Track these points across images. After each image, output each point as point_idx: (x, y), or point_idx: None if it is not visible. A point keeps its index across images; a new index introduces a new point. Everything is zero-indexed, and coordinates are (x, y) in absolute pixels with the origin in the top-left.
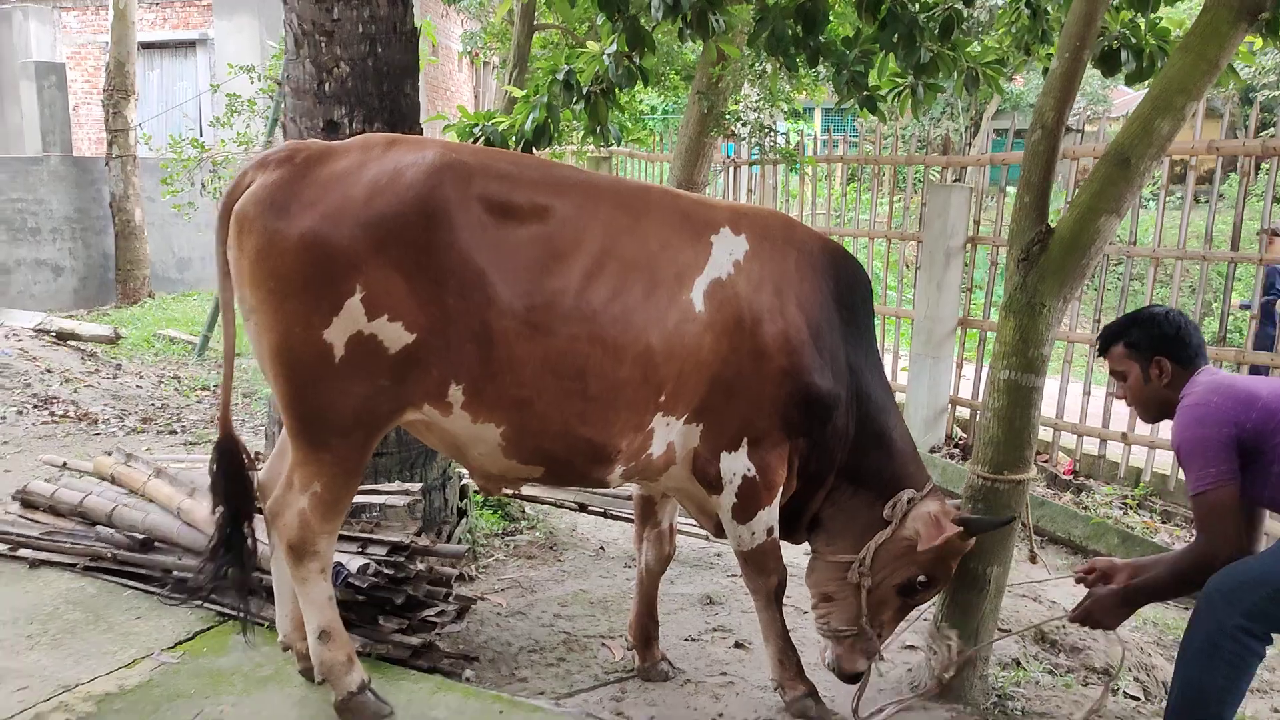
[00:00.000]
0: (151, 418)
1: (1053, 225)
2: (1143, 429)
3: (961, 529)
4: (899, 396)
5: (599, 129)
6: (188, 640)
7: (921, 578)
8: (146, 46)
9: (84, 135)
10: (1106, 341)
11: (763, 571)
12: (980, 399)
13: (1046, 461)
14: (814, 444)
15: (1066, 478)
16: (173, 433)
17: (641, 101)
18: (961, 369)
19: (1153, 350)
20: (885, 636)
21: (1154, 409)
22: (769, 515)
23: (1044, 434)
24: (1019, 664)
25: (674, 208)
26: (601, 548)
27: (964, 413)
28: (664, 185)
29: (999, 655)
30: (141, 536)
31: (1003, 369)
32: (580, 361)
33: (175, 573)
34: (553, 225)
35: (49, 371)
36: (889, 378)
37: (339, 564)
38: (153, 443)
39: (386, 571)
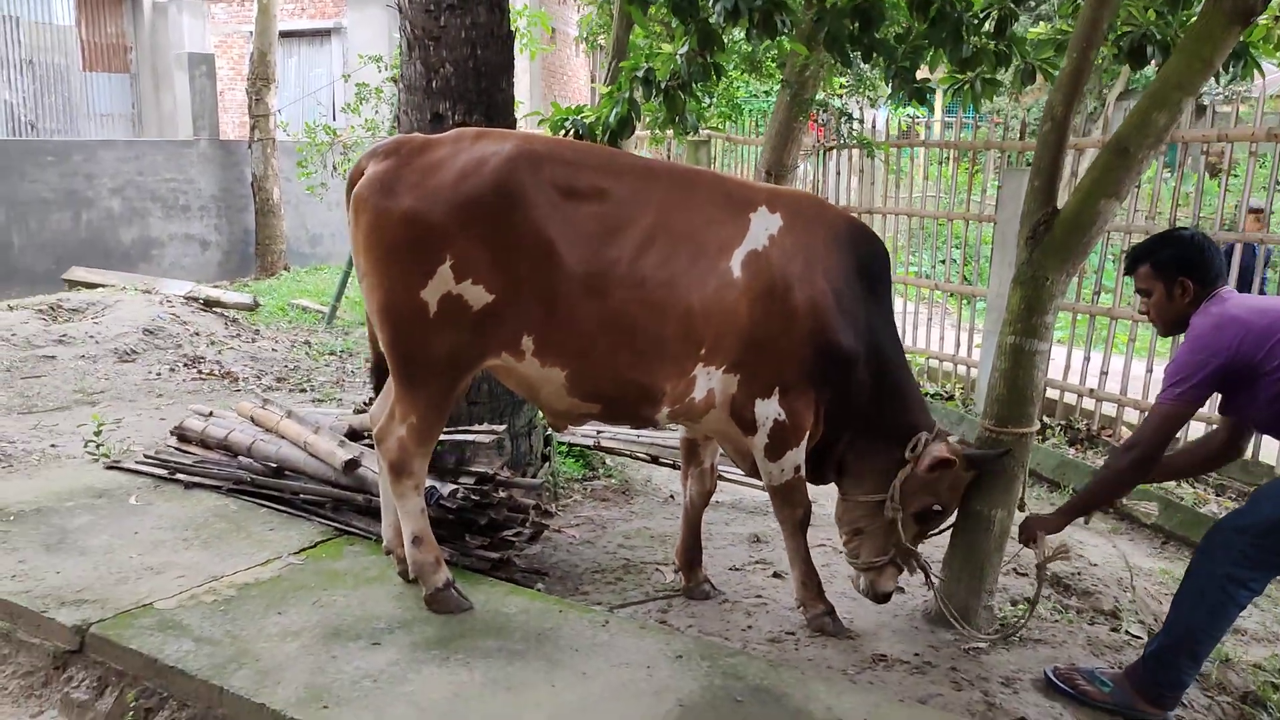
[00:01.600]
0: (285, 378)
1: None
2: (1206, 408)
3: (958, 459)
4: (971, 372)
5: (677, 119)
6: (310, 548)
7: (936, 506)
8: (285, 35)
9: (228, 120)
10: (1134, 261)
11: (790, 504)
12: (992, 365)
13: (1110, 435)
14: (837, 394)
15: None
16: (303, 391)
17: (739, 89)
18: None
19: (1177, 271)
20: (909, 558)
21: (1174, 325)
22: (796, 455)
23: (1109, 409)
24: (1029, 601)
25: (719, 189)
26: (671, 496)
27: None
28: (714, 170)
29: (1010, 592)
30: (275, 465)
31: (1009, 334)
32: (630, 319)
33: (302, 495)
34: (610, 204)
35: (197, 334)
36: (964, 354)
37: (433, 487)
38: (285, 400)
39: (473, 497)
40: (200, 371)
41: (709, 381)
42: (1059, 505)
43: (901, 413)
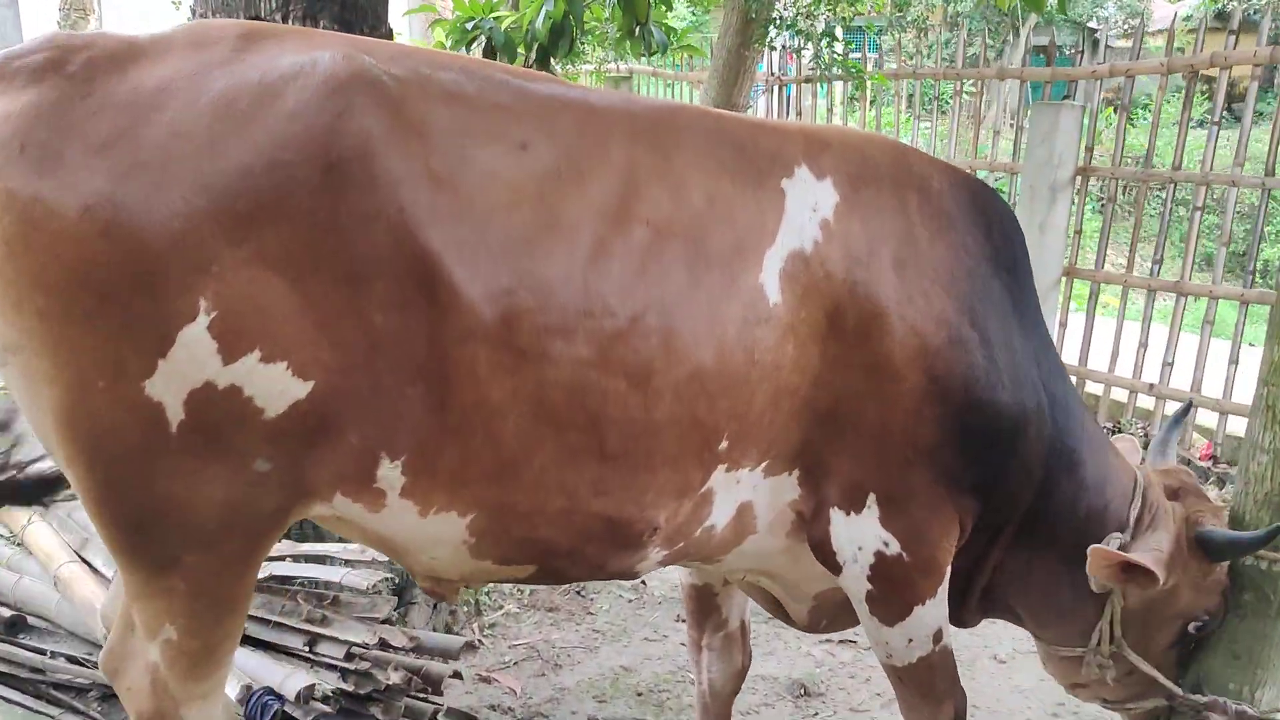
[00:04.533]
0: None
1: None
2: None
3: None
4: None
5: (637, 29)
6: None
7: (1195, 623)
8: None
9: None
10: None
11: (929, 696)
12: (1251, 441)
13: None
14: (993, 496)
15: (1203, 464)
16: None
17: (668, 14)
18: (1066, 328)
19: None
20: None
21: None
22: (934, 612)
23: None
24: None
25: (720, 137)
26: (643, 582)
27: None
28: (699, 104)
29: None
30: (9, 615)
31: None
32: (594, 399)
33: (49, 674)
34: (539, 172)
35: None
36: None
37: (268, 692)
38: None
39: (345, 687)
40: None
41: (738, 493)
42: None
43: (1080, 498)
